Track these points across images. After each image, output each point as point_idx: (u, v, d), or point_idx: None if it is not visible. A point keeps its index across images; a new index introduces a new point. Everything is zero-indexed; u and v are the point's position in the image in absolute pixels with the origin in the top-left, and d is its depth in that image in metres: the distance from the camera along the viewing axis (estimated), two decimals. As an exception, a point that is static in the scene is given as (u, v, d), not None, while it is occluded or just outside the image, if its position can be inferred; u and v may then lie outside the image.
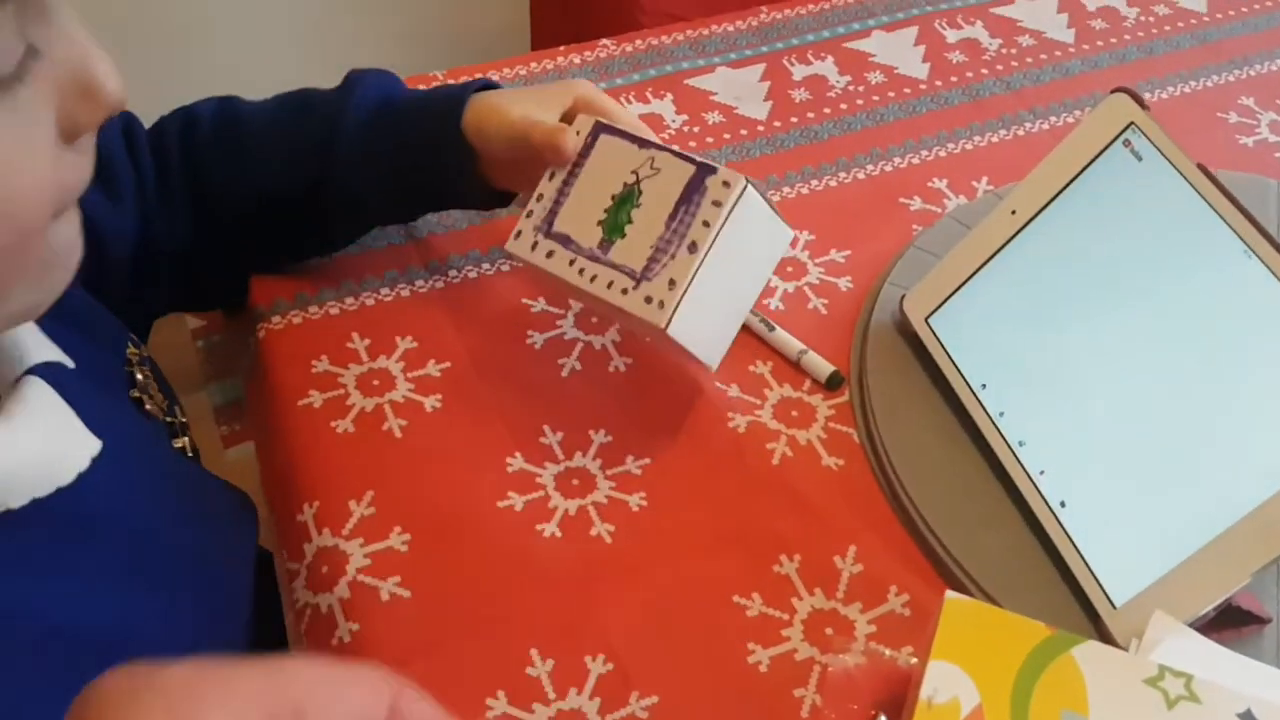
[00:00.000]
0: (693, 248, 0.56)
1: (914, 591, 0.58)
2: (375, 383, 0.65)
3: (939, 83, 0.89)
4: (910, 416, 0.65)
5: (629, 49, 0.90)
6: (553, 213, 0.61)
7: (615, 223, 0.59)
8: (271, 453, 0.64)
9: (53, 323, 0.51)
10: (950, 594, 0.51)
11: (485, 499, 0.60)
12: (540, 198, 0.62)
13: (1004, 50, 0.93)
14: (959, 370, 0.65)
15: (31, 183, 0.41)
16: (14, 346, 0.49)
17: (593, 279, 0.58)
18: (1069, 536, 0.57)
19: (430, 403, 0.64)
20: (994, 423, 0.62)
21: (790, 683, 0.54)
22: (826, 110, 0.86)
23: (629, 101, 0.85)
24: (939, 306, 0.67)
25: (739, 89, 0.87)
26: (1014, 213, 0.65)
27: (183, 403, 0.63)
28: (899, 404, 0.65)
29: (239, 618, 0.58)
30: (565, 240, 0.60)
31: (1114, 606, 0.54)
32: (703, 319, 0.58)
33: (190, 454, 0.61)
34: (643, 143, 0.60)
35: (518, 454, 0.62)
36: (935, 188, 0.80)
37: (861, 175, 0.81)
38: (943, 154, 0.83)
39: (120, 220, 0.65)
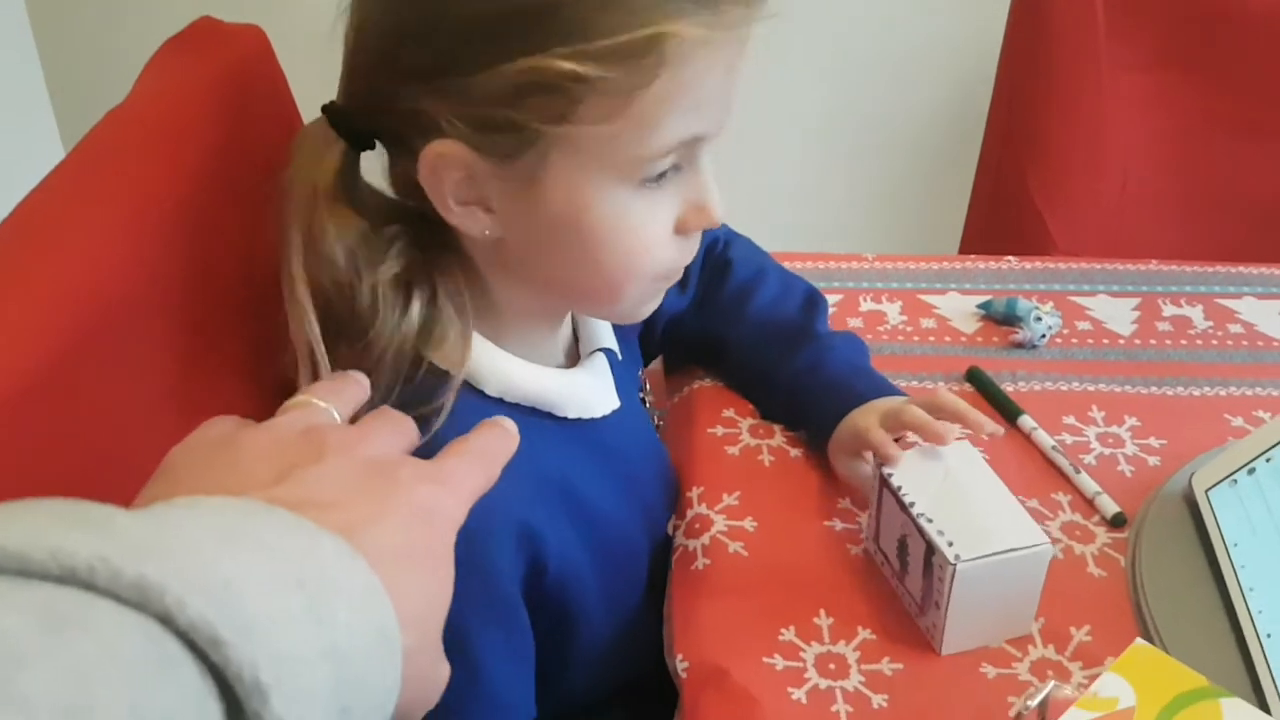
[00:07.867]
0: (937, 605, 0.72)
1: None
2: (761, 431, 0.90)
3: (1293, 343, 1.03)
4: (1171, 555, 0.79)
5: (1028, 266, 1.12)
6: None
7: (902, 562, 0.75)
8: (683, 453, 0.91)
9: (619, 330, 0.83)
10: (1140, 640, 0.66)
11: (814, 517, 0.82)
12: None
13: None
14: (1223, 537, 0.79)
15: (648, 240, 0.68)
16: (596, 334, 0.81)
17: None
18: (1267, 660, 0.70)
19: (794, 453, 0.89)
20: (1241, 588, 0.75)
21: (1006, 691, 0.70)
22: (1183, 341, 1.03)
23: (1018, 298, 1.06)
24: (1218, 483, 0.81)
25: (1112, 310, 1.06)
26: (1294, 415, 0.80)
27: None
28: (1166, 545, 0.80)
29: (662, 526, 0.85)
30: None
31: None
32: (975, 630, 0.72)
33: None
34: (903, 507, 0.73)
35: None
36: (1259, 417, 0.94)
37: (1197, 393, 0.97)
38: (1275, 394, 0.97)
39: (676, 304, 0.93)
